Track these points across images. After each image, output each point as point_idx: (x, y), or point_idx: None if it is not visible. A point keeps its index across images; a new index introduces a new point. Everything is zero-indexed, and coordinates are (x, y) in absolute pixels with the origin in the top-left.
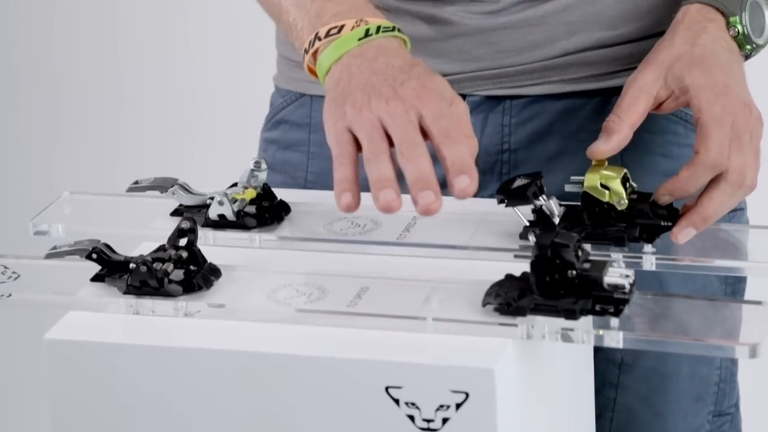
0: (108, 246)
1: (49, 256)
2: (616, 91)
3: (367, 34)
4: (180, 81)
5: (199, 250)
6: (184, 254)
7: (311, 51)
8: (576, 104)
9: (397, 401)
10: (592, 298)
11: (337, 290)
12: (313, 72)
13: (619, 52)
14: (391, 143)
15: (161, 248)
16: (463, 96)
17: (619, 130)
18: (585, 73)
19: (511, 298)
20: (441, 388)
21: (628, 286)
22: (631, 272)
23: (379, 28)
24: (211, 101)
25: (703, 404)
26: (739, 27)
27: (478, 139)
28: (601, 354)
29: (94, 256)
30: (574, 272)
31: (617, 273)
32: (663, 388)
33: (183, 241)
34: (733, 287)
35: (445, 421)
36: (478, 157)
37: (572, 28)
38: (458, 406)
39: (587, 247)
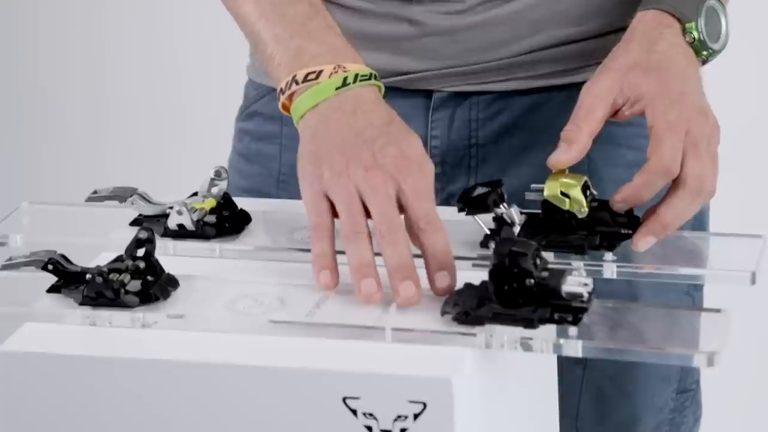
0: (64, 257)
1: (4, 267)
2: (581, 86)
3: (344, 83)
4: (151, 86)
5: (157, 261)
6: (142, 265)
7: (287, 93)
8: (542, 99)
9: (354, 412)
10: (550, 306)
11: (296, 300)
12: (287, 110)
13: (585, 48)
14: (367, 212)
15: (119, 258)
16: (430, 92)
17: (578, 138)
18: (551, 69)
19: (469, 307)
20: (398, 399)
21: (586, 295)
22: (589, 281)
23: (356, 76)
24: (178, 107)
25: (668, 383)
26: (695, 33)
27: (445, 135)
28: None
29: (50, 267)
30: (533, 281)
31: (575, 281)
32: (631, 369)
33: (141, 251)
34: (694, 296)
35: (403, 431)
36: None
37: (538, 25)
38: (416, 416)
39: (547, 255)
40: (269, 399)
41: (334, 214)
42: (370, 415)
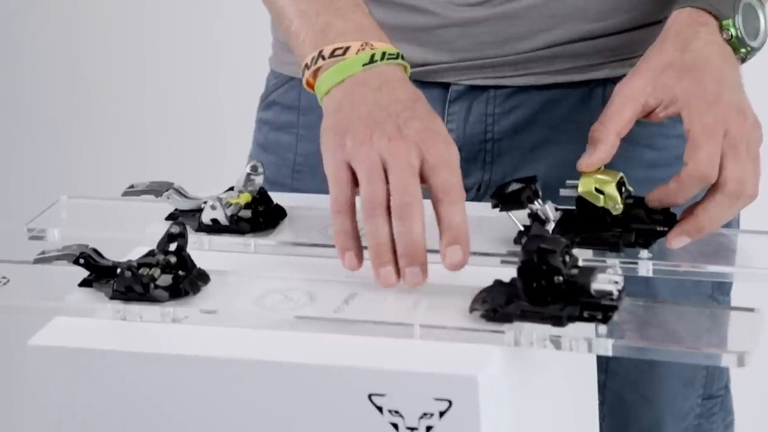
0: (96, 251)
1: (37, 261)
2: (601, 83)
3: (371, 59)
4: (182, 83)
5: (189, 255)
6: (173, 259)
7: (313, 68)
8: (560, 95)
9: (380, 409)
10: (580, 304)
11: (325, 296)
12: (311, 86)
13: (603, 44)
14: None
15: (150, 253)
16: (447, 84)
17: (605, 139)
18: (569, 65)
19: (497, 305)
20: (424, 396)
21: (616, 293)
22: (620, 278)
23: (384, 54)
24: (212, 102)
25: (691, 389)
26: (733, 30)
27: (461, 128)
28: None
29: (82, 261)
30: (561, 278)
31: (605, 279)
32: (651, 374)
33: (173, 246)
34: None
35: (428, 429)
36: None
37: (556, 20)
38: (441, 414)
39: (584, 252)
40: (295, 395)
41: (355, 181)
42: (396, 412)
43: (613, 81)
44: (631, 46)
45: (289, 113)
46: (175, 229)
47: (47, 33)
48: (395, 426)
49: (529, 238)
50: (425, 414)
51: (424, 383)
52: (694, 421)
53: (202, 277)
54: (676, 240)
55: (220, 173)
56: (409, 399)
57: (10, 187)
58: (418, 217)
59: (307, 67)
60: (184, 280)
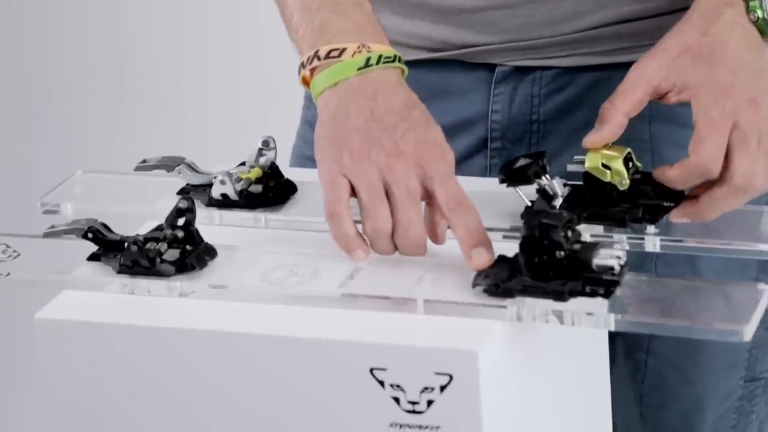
0: (105, 225)
1: (47, 235)
2: None
3: (367, 63)
4: (202, 60)
5: (196, 230)
6: (180, 234)
7: (308, 67)
8: (605, 76)
9: (382, 383)
10: (581, 279)
11: (330, 271)
12: (306, 84)
13: (649, 26)
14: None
15: (158, 228)
16: (493, 66)
17: (612, 118)
18: (614, 46)
19: (500, 280)
20: (425, 370)
21: (618, 268)
22: (622, 253)
23: (380, 57)
24: (229, 79)
25: (734, 370)
26: (759, 12)
27: (507, 110)
28: None
29: (90, 235)
30: (563, 253)
31: (607, 254)
32: (692, 355)
33: (181, 221)
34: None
35: (429, 403)
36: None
37: (602, 2)
38: (442, 388)
39: (594, 228)
40: (298, 369)
41: (352, 193)
42: (397, 386)
43: None
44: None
45: None
46: (184, 204)
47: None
48: (396, 400)
49: (531, 214)
50: (426, 388)
51: (425, 358)
52: (736, 403)
53: (209, 252)
54: (677, 219)
55: (234, 149)
56: (411, 373)
57: (26, 161)
58: (422, 250)
59: (302, 65)
60: (191, 254)
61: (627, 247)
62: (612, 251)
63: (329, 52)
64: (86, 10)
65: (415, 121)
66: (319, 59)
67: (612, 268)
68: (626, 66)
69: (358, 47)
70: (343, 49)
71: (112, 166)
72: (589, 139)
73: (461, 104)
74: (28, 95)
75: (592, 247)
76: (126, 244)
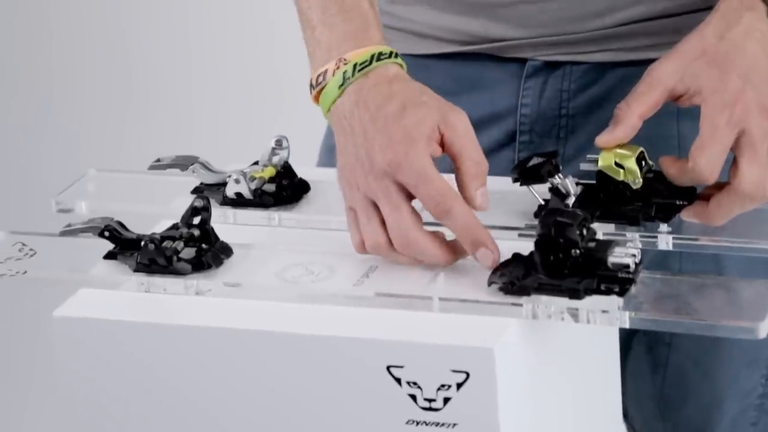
0: (121, 223)
1: (63, 233)
2: None
3: (344, 78)
4: (213, 59)
5: (212, 229)
6: (196, 232)
7: (314, 94)
8: (636, 72)
9: (398, 380)
10: (597, 277)
11: (345, 269)
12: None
13: (681, 22)
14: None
15: (174, 226)
16: (524, 60)
17: (626, 119)
18: (646, 42)
19: (515, 278)
20: (442, 368)
21: (633, 266)
22: (637, 251)
23: (354, 67)
24: (242, 78)
25: (755, 367)
26: None
27: (536, 104)
28: None
29: (107, 234)
30: (578, 251)
31: (622, 252)
32: (714, 351)
33: (197, 220)
34: None
35: (446, 400)
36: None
37: None
38: (459, 385)
39: (606, 227)
40: (315, 366)
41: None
42: (414, 384)
43: None
44: None
45: None
46: (199, 203)
47: (84, 7)
48: (413, 397)
49: (547, 212)
50: (443, 386)
51: (442, 355)
52: (756, 401)
53: (225, 251)
54: (687, 219)
55: (247, 148)
56: (427, 371)
57: (40, 160)
58: (431, 253)
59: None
60: (207, 253)
61: (640, 246)
62: (627, 249)
63: (317, 78)
64: (98, 8)
65: (383, 121)
66: (313, 87)
67: (627, 266)
68: None
69: (336, 64)
70: (325, 71)
71: (124, 165)
72: (603, 139)
73: (491, 97)
74: (39, 94)
75: (607, 245)
76: (143, 243)
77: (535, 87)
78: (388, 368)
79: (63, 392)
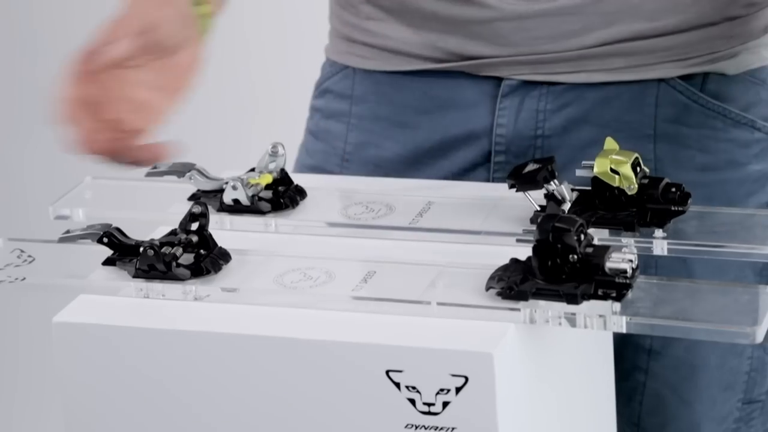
0: (119, 230)
1: (62, 240)
2: (654, 83)
3: None
4: (210, 65)
5: (210, 235)
6: (195, 238)
7: None
8: (612, 94)
9: (398, 385)
10: (594, 282)
11: (344, 274)
12: None
13: (658, 44)
14: None
15: (173, 232)
16: (500, 79)
17: None
18: (622, 64)
19: (513, 283)
20: (441, 372)
21: (630, 271)
22: (634, 257)
23: None
24: (238, 85)
25: (732, 393)
26: None
27: (512, 124)
28: (630, 339)
29: (105, 240)
30: (576, 257)
31: (620, 258)
32: (691, 378)
33: (195, 226)
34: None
35: (445, 404)
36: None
37: (610, 18)
38: (458, 390)
39: (600, 233)
40: (314, 371)
41: None
42: (413, 388)
43: (667, 81)
44: (685, 48)
45: (342, 102)
46: (197, 209)
47: (71, 10)
48: (412, 402)
49: (544, 217)
50: (442, 390)
51: (441, 360)
52: (733, 425)
53: (224, 256)
54: None
55: (245, 155)
56: (426, 375)
57: (37, 167)
58: None
59: None
60: (206, 258)
61: (635, 251)
62: (624, 255)
63: None
64: (95, 14)
65: None
66: None
67: (625, 272)
68: (634, 84)
69: None
70: None
71: (120, 172)
72: None
73: (466, 116)
74: (36, 100)
75: (604, 251)
76: (141, 249)
77: (511, 107)
78: (387, 373)
79: (62, 398)
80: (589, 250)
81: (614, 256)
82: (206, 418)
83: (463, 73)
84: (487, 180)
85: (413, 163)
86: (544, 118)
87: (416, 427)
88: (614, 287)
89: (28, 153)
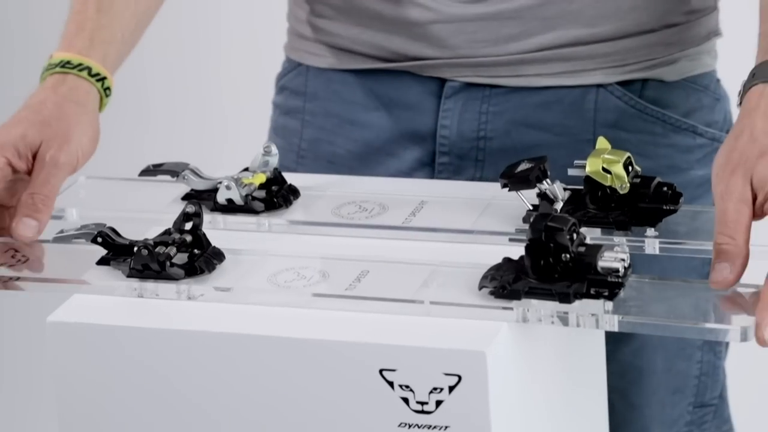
0: (113, 230)
1: (56, 239)
2: (593, 88)
3: (44, 70)
4: (196, 66)
5: (204, 234)
6: (189, 238)
7: None
8: (552, 98)
9: (391, 384)
10: (586, 281)
11: (337, 273)
12: None
13: (596, 50)
14: None
15: (167, 232)
16: (443, 80)
17: (739, 253)
18: (561, 69)
19: (506, 282)
20: (434, 371)
21: (622, 270)
22: (626, 256)
23: (49, 65)
24: (229, 85)
25: (681, 396)
26: None
27: (455, 126)
28: None
29: (99, 240)
30: (569, 256)
31: (612, 257)
32: (639, 382)
33: (188, 225)
34: None
35: (438, 403)
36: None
37: (549, 23)
38: (451, 388)
39: (592, 231)
40: (308, 371)
41: None
42: (407, 387)
43: (606, 87)
44: (623, 54)
45: (297, 99)
46: (191, 209)
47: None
48: (406, 400)
49: (537, 217)
50: (435, 389)
51: (434, 359)
52: (684, 429)
53: (217, 256)
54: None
55: (237, 155)
56: (420, 374)
57: None
58: None
59: None
60: (200, 258)
61: (627, 250)
62: (616, 254)
63: None
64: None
65: None
66: None
67: (617, 271)
68: (574, 89)
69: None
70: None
71: (115, 172)
72: (724, 278)
73: (412, 116)
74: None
75: (596, 250)
76: (136, 249)
77: (455, 108)
78: (380, 371)
79: (57, 398)
80: (582, 249)
81: (607, 255)
82: (201, 418)
83: (409, 73)
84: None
85: (364, 161)
86: (487, 120)
87: (410, 426)
88: (606, 286)
89: None
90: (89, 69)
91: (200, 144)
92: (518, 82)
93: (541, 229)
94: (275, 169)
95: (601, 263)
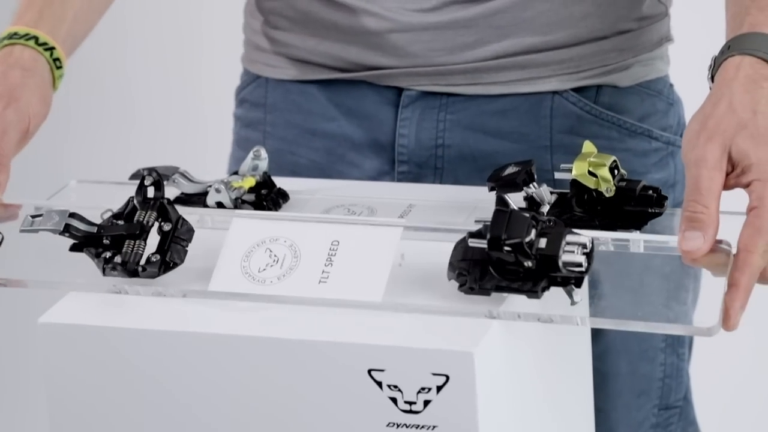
0: (78, 216)
1: (23, 231)
2: (549, 95)
3: None
4: (185, 71)
5: (170, 205)
6: (155, 215)
7: None
8: (509, 106)
9: (379, 384)
10: (550, 279)
11: (307, 259)
12: None
13: (551, 57)
14: None
15: (131, 208)
16: (401, 89)
17: (711, 221)
18: (516, 77)
19: (473, 280)
20: (422, 371)
21: (585, 262)
22: (587, 239)
23: None
24: (217, 90)
25: (646, 399)
26: None
27: (413, 134)
28: None
29: (67, 234)
30: (530, 263)
31: (572, 249)
32: (603, 386)
33: (151, 192)
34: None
35: (426, 403)
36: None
37: (503, 32)
38: (439, 388)
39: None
40: (297, 371)
41: None
42: (395, 387)
43: (561, 94)
44: (577, 61)
45: (257, 110)
46: (148, 180)
47: None
48: (394, 400)
49: (493, 225)
50: (423, 389)
51: (422, 359)
52: (650, 431)
53: (188, 232)
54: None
55: (227, 159)
56: (408, 374)
57: (21, 171)
58: None
59: None
60: (170, 249)
61: (612, 249)
62: (577, 238)
63: None
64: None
65: None
66: None
67: (580, 264)
68: (530, 96)
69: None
70: None
71: (105, 175)
72: (696, 248)
73: (371, 125)
74: None
75: (558, 240)
76: (104, 257)
77: (412, 117)
78: (369, 372)
79: (48, 398)
80: (542, 245)
81: (568, 248)
82: (191, 417)
83: (366, 83)
84: None
85: (326, 170)
86: (444, 128)
87: (398, 426)
88: (572, 279)
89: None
90: (36, 38)
91: (192, 148)
92: (475, 90)
93: (501, 247)
94: (265, 172)
95: (564, 258)
